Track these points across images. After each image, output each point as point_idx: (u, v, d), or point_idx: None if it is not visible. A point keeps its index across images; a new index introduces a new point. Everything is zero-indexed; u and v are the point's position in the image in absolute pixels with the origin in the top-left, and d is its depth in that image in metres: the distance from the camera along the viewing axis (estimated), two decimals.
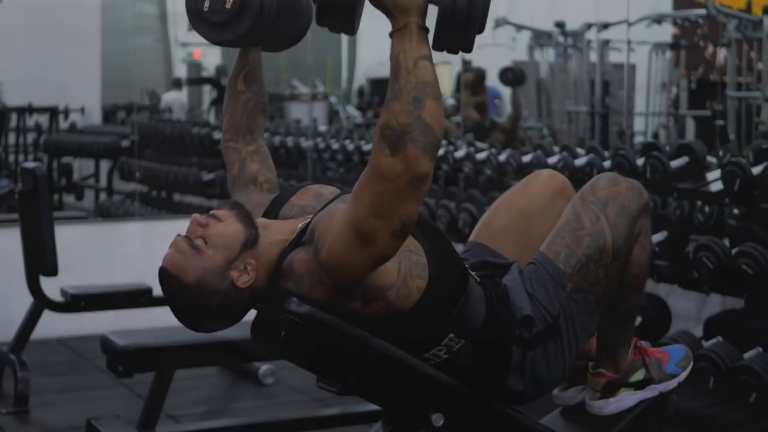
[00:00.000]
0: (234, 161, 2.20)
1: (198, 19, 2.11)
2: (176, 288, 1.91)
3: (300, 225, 1.97)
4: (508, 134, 6.87)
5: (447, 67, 8.23)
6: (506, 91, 7.98)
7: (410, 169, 1.71)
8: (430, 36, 1.78)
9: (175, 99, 8.56)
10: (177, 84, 8.77)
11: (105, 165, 7.84)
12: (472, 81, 7.49)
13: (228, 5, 2.07)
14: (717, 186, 3.77)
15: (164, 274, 1.91)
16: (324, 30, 1.92)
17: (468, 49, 1.83)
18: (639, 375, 2.19)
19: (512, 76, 7.00)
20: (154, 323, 3.95)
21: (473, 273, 2.04)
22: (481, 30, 1.83)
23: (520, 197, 2.30)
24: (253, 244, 1.93)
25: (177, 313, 1.96)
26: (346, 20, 1.87)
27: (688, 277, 3.95)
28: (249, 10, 2.08)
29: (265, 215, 2.09)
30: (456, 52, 1.84)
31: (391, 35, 1.76)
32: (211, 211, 1.97)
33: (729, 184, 3.65)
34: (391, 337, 1.91)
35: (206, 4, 2.09)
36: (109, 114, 8.01)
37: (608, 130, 6.62)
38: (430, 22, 1.80)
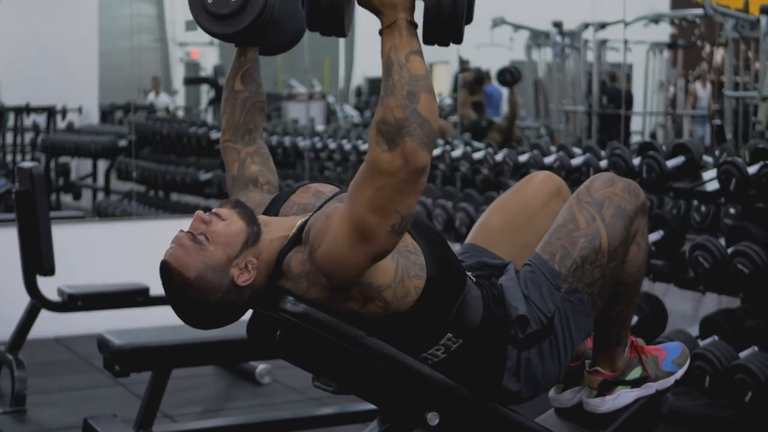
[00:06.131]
0: (233, 161, 2.19)
1: (200, 10, 2.09)
2: (177, 282, 1.91)
3: (299, 222, 1.97)
4: (504, 134, 6.87)
5: (445, 67, 8.22)
6: (505, 92, 7.98)
7: (409, 162, 1.73)
8: (419, 31, 1.79)
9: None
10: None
11: (102, 165, 7.85)
12: (471, 81, 7.50)
13: None
14: (713, 185, 3.77)
15: (165, 268, 1.91)
16: None
17: (458, 40, 1.83)
18: (636, 373, 2.19)
19: (510, 77, 7.01)
20: (150, 323, 3.95)
21: (469, 273, 2.05)
22: (469, 20, 1.83)
23: (517, 199, 2.30)
24: (254, 242, 1.93)
25: (176, 308, 1.95)
26: (335, 24, 1.86)
27: (684, 277, 3.95)
28: (253, 5, 2.07)
29: (265, 214, 2.09)
30: (447, 44, 1.85)
31: (380, 33, 1.78)
32: (214, 209, 1.98)
33: (725, 184, 3.65)
34: (390, 336, 1.92)
35: None
36: (106, 114, 8.01)
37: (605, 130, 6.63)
38: (418, 15, 1.81)
